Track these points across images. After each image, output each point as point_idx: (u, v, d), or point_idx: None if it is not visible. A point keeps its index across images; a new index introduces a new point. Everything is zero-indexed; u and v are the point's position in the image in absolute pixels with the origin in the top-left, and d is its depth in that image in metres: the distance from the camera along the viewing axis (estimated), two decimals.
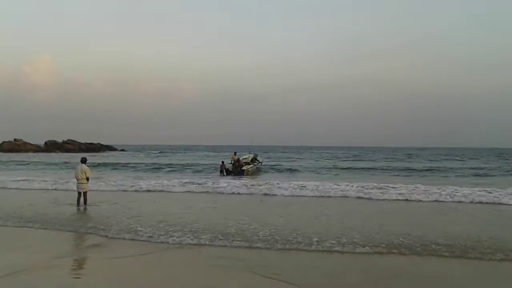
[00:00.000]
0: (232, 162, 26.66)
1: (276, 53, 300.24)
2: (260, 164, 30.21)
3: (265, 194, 16.05)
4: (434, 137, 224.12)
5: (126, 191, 17.05)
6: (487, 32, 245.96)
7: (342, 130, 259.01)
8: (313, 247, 7.37)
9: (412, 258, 6.80)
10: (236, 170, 25.73)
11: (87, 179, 12.25)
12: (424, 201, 13.92)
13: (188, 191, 16.93)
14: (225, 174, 25.86)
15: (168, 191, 16.94)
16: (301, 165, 38.76)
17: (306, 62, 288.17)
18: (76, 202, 12.29)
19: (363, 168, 35.18)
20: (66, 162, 38.53)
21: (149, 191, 17.00)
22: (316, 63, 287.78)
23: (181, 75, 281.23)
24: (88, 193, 12.49)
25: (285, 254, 7.06)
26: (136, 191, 17.01)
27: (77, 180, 12.26)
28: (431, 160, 50.61)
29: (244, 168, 25.97)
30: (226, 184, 18.12)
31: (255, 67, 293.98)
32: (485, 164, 42.57)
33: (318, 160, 50.71)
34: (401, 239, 7.92)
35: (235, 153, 28.11)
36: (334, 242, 7.67)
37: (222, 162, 27.35)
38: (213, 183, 18.81)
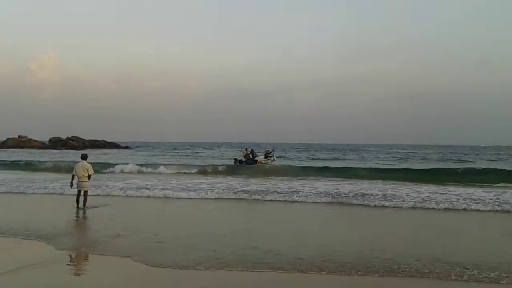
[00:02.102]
0: (244, 156, 28.51)
1: (279, 50, 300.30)
2: (273, 160, 30.21)
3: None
4: (435, 134, 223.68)
5: (149, 197, 14.45)
6: (488, 29, 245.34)
7: (345, 128, 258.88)
8: None
9: None
10: (249, 161, 27.53)
11: (89, 177, 11.59)
12: None
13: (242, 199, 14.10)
14: (238, 164, 27.87)
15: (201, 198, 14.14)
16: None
17: (308, 59, 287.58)
18: (75, 202, 11.59)
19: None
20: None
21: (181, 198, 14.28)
22: (318, 61, 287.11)
23: (186, 72, 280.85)
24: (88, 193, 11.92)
25: None
26: (165, 197, 14.39)
27: (78, 178, 11.52)
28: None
29: (257, 158, 27.90)
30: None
31: (258, 65, 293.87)
32: None
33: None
34: None
35: (245, 149, 29.49)
36: None
37: (235, 159, 29.66)
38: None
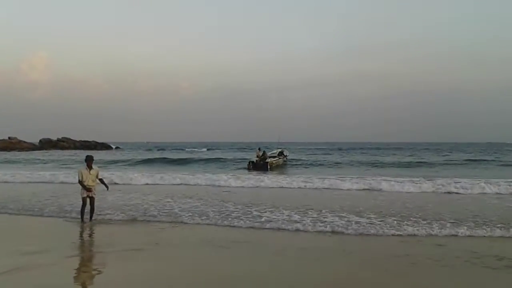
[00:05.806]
0: (257, 156, 28.31)
1: (274, 49, 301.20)
2: (285, 158, 30.83)
3: None
4: (432, 132, 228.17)
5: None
6: (487, 27, 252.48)
7: (341, 126, 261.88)
8: None
9: None
10: (259, 163, 27.17)
11: (79, 182, 9.68)
12: None
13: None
14: (251, 167, 27.34)
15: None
16: None
17: (303, 58, 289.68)
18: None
19: None
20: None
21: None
22: (314, 60, 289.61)
23: (179, 72, 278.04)
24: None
25: None
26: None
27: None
28: None
29: (268, 160, 27.44)
30: None
31: (252, 64, 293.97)
32: None
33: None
34: None
35: (259, 149, 29.60)
36: None
37: (249, 161, 28.86)
38: None
